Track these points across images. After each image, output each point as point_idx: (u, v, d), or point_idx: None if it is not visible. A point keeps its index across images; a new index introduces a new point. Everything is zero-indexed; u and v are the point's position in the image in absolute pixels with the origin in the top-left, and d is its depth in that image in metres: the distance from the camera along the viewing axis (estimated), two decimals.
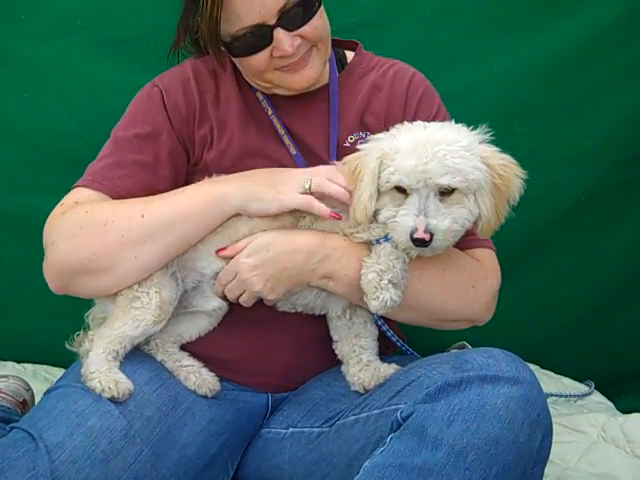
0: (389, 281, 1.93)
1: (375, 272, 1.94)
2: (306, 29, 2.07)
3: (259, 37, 2.05)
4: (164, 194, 2.08)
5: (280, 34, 2.04)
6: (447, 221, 1.86)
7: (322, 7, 2.11)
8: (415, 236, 1.85)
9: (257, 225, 2.06)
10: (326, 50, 2.16)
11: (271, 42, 2.05)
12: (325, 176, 2.03)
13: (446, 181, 1.84)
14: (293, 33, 2.05)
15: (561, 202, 2.91)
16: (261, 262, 2.01)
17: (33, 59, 2.77)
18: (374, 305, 1.94)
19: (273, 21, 2.02)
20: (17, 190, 2.86)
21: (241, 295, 2.07)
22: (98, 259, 2.01)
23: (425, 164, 1.83)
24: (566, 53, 2.80)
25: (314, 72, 2.15)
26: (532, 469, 1.80)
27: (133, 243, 2.01)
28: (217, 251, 2.07)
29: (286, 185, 2.03)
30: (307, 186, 2.02)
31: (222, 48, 2.13)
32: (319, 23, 2.09)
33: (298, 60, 2.10)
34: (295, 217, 2.07)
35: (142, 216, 2.02)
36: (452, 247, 2.02)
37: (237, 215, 2.06)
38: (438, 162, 1.84)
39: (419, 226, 1.84)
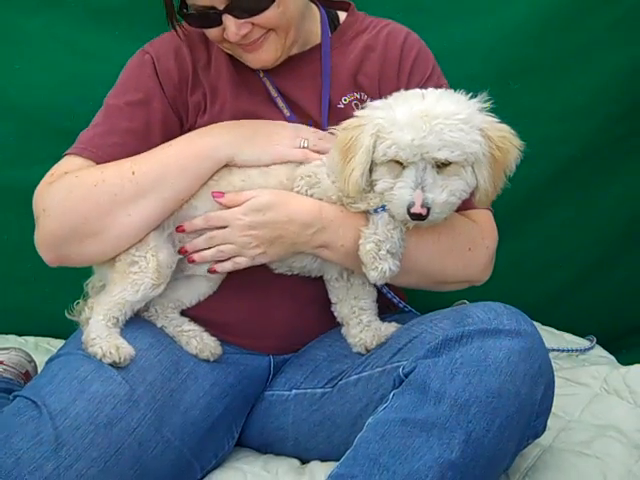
0: (387, 251, 1.93)
1: (373, 242, 1.94)
2: (258, 18, 2.02)
3: (208, 18, 2.03)
4: (152, 150, 2.06)
5: (228, 20, 2.00)
6: (444, 194, 1.85)
7: None
8: (412, 210, 1.84)
9: (252, 180, 2.05)
10: (286, 35, 2.09)
11: (220, 24, 2.02)
12: (317, 137, 2.05)
13: (444, 155, 1.83)
14: (242, 21, 2.01)
15: (556, 159, 2.89)
16: (256, 224, 2.00)
17: (22, 30, 2.74)
18: (373, 275, 1.94)
19: (222, 7, 1.99)
20: (10, 163, 2.84)
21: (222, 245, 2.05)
22: (91, 221, 2.00)
23: (423, 138, 1.81)
24: (558, 8, 2.76)
25: (267, 56, 2.11)
26: (535, 421, 1.82)
27: (125, 201, 2.00)
28: (213, 193, 2.05)
29: (281, 139, 2.04)
30: (305, 144, 2.03)
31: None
32: (274, 13, 2.02)
33: (250, 43, 2.07)
34: (291, 168, 2.06)
35: (132, 173, 2.01)
36: None
37: (230, 167, 2.05)
38: (435, 136, 1.81)
39: (416, 200, 1.83)
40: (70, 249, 2.04)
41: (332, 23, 2.29)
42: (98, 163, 2.07)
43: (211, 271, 2.08)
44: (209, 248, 2.05)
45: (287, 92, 2.20)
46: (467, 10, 2.77)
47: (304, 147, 2.04)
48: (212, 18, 2.02)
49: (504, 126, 1.92)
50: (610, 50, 2.80)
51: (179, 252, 2.09)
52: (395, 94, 1.97)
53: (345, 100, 2.19)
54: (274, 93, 2.19)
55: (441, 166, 1.85)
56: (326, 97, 2.19)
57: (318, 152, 2.03)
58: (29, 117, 2.80)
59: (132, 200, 2.00)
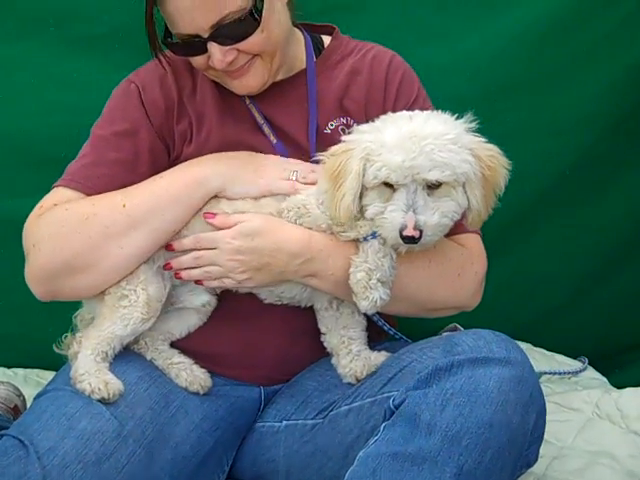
0: (378, 280, 1.92)
1: (364, 271, 1.93)
2: (243, 45, 2.01)
3: (193, 46, 2.03)
4: (143, 182, 2.06)
5: (213, 47, 2.00)
6: (436, 216, 1.84)
7: (272, 17, 2.03)
8: (404, 234, 1.82)
9: (242, 209, 2.04)
10: (272, 60, 2.09)
11: (206, 52, 2.02)
12: (309, 168, 2.04)
13: (434, 176, 1.82)
14: (227, 48, 2.00)
15: (545, 176, 2.89)
16: (244, 250, 1.99)
17: (5, 59, 2.73)
18: (364, 305, 1.93)
19: (206, 35, 1.98)
20: None
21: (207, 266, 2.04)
22: (83, 255, 1.99)
23: (412, 159, 1.80)
24: (543, 26, 2.77)
25: (254, 81, 2.10)
26: (527, 450, 1.81)
27: (117, 234, 1.99)
28: (205, 214, 2.04)
29: (270, 172, 2.04)
30: (293, 177, 2.03)
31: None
32: (259, 39, 2.02)
33: (235, 69, 2.06)
34: (279, 202, 2.05)
35: (124, 206, 2.00)
36: None
37: (219, 198, 2.05)
38: (426, 157, 1.81)
39: (408, 223, 1.82)
40: (61, 283, 2.03)
41: (316, 47, 2.29)
42: (87, 194, 2.06)
43: (197, 283, 2.08)
44: (196, 267, 2.05)
45: (273, 118, 2.19)
46: (452, 30, 2.77)
47: (293, 179, 2.04)
48: (197, 46, 2.02)
49: (492, 146, 1.92)
50: (595, 67, 2.81)
51: (164, 268, 2.08)
52: (382, 117, 1.96)
53: (332, 125, 2.18)
54: (260, 120, 2.18)
55: (432, 188, 1.84)
56: (313, 123, 2.18)
57: (308, 184, 2.03)
58: (12, 147, 2.78)
59: (124, 233, 1.99)
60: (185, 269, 2.07)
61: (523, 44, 2.78)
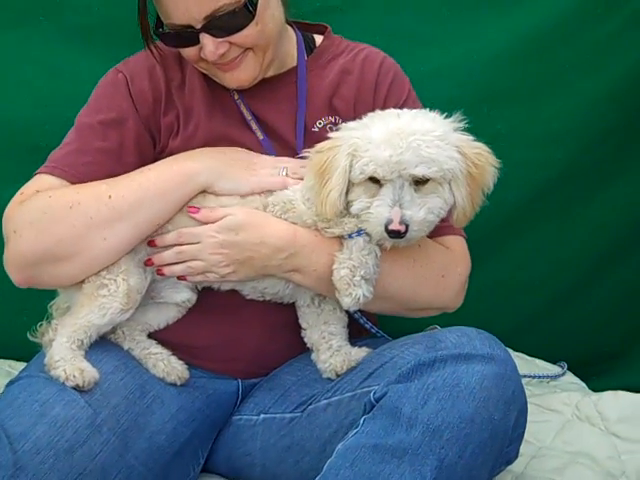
0: (362, 277, 1.91)
1: (347, 268, 1.92)
2: (236, 37, 2.00)
3: (186, 37, 2.00)
4: (130, 173, 2.03)
5: (205, 39, 1.98)
6: (422, 212, 1.84)
7: (267, 11, 2.02)
8: (390, 228, 1.82)
9: (227, 204, 2.02)
10: (264, 54, 2.07)
11: (198, 43, 2.00)
12: (297, 165, 2.03)
13: (421, 171, 1.82)
14: (220, 40, 1.98)
15: (531, 184, 2.89)
16: (228, 244, 1.98)
17: None
18: (347, 302, 1.92)
19: (199, 26, 1.96)
20: None
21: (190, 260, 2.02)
22: (65, 244, 1.95)
23: (399, 155, 1.80)
24: (534, 34, 2.78)
25: (245, 75, 2.09)
26: (508, 447, 1.80)
27: (102, 225, 1.96)
28: (189, 208, 2.02)
29: (260, 169, 2.03)
30: (284, 173, 2.02)
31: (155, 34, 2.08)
32: (252, 32, 2.00)
33: (227, 62, 2.05)
34: (264, 200, 2.03)
35: (109, 196, 1.97)
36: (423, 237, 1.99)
37: (205, 194, 2.03)
38: (412, 152, 1.80)
39: (394, 217, 1.81)
40: (41, 271, 1.99)
41: (308, 46, 2.28)
42: (71, 182, 2.03)
43: (180, 278, 2.06)
44: (179, 263, 2.02)
45: (261, 115, 2.18)
46: (444, 35, 2.78)
47: (283, 175, 2.03)
48: (189, 37, 1.99)
49: (480, 144, 1.91)
50: (586, 76, 2.82)
51: (145, 263, 2.05)
52: (370, 114, 1.96)
53: (320, 124, 2.17)
54: (248, 116, 2.16)
55: (419, 184, 1.84)
56: (301, 120, 2.17)
57: (299, 179, 2.01)
58: None
59: (108, 224, 1.96)
60: (167, 265, 2.04)
61: (516, 51, 2.79)
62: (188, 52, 2.05)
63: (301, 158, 2.04)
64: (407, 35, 2.75)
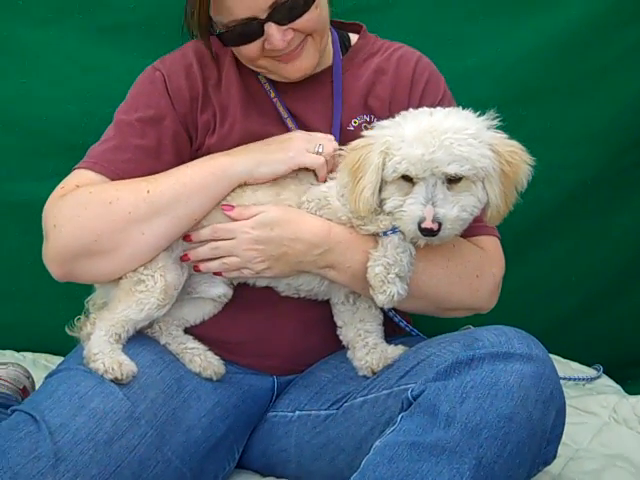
0: (396, 275, 1.91)
1: (382, 265, 1.92)
2: (299, 22, 2.01)
3: (250, 30, 2.01)
4: (168, 171, 2.05)
5: (271, 28, 1.99)
6: (455, 210, 1.84)
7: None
8: (423, 226, 1.82)
9: (263, 199, 2.03)
10: (321, 40, 2.10)
11: (262, 35, 2.00)
12: (332, 142, 2.04)
13: (453, 170, 1.81)
14: (285, 27, 2.00)
15: (566, 185, 2.87)
16: (263, 240, 1.98)
17: (30, 44, 2.72)
18: (381, 299, 1.92)
19: (264, 15, 1.97)
20: (14, 177, 2.81)
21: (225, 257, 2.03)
22: (104, 239, 1.97)
23: (432, 153, 1.80)
24: (569, 34, 2.76)
25: (308, 62, 2.10)
26: (546, 447, 1.79)
27: (140, 220, 1.97)
28: (223, 205, 2.03)
29: (295, 146, 2.03)
30: (320, 150, 2.01)
31: (215, 35, 2.08)
32: (313, 16, 2.02)
33: (291, 51, 2.06)
34: (300, 198, 2.04)
35: (148, 192, 1.98)
36: (457, 236, 1.99)
37: (242, 188, 2.03)
38: (445, 151, 1.80)
39: (427, 216, 1.81)
40: (80, 266, 2.01)
41: (343, 45, 2.29)
42: (110, 178, 2.05)
43: (216, 274, 2.07)
44: (214, 259, 2.03)
45: (297, 113, 2.19)
46: (476, 35, 2.76)
47: (319, 152, 2.02)
48: (254, 30, 2.00)
49: (513, 142, 1.91)
50: (622, 77, 2.80)
51: (181, 259, 2.06)
52: (403, 113, 1.96)
53: (355, 122, 2.18)
54: (285, 114, 2.17)
55: (452, 182, 1.84)
56: (337, 119, 2.18)
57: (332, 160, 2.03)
58: (33, 132, 2.77)
59: (146, 219, 1.98)
60: (203, 261, 2.06)
61: (550, 51, 2.78)
62: (249, 49, 2.05)
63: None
64: (442, 35, 2.75)
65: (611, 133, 2.84)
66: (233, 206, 2.03)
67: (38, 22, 2.71)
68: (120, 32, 2.72)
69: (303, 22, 2.01)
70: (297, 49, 2.06)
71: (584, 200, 2.89)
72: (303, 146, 2.03)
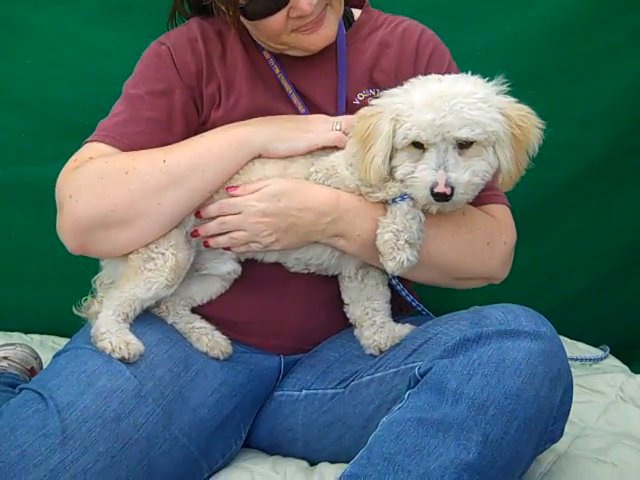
0: (406, 241, 1.90)
1: (392, 232, 1.91)
2: None
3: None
4: (184, 140, 2.05)
5: None
6: (467, 174, 1.83)
7: None
8: (436, 190, 1.81)
9: (270, 173, 2.03)
10: (340, 6, 2.11)
11: (288, 2, 1.99)
12: (350, 120, 2.02)
13: (464, 134, 1.81)
14: None
15: (574, 165, 2.86)
16: (270, 211, 1.98)
17: (35, 25, 2.73)
18: (390, 265, 1.91)
19: None
20: (20, 160, 2.81)
21: (233, 232, 2.02)
22: (121, 209, 1.96)
23: (443, 118, 1.80)
24: (579, 13, 2.75)
25: (330, 30, 2.11)
26: (553, 425, 1.79)
27: (156, 189, 1.96)
28: (227, 188, 2.03)
29: (315, 125, 2.03)
30: (338, 127, 2.01)
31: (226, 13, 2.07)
32: None
33: (315, 19, 2.05)
34: (308, 171, 2.03)
35: (164, 161, 1.98)
36: (466, 204, 1.98)
37: (253, 161, 2.03)
38: (456, 115, 1.80)
39: (439, 180, 1.81)
40: (95, 237, 1.99)
41: (347, 20, 2.28)
42: (123, 151, 2.04)
43: (226, 249, 2.07)
44: (223, 234, 2.03)
45: (302, 88, 2.18)
46: (486, 13, 2.76)
47: (337, 130, 2.02)
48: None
49: (523, 106, 1.90)
50: (631, 56, 2.79)
51: (192, 235, 2.06)
52: (411, 80, 1.95)
53: (360, 96, 2.17)
54: (289, 89, 2.17)
55: (463, 147, 1.84)
56: (342, 94, 2.17)
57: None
58: (38, 113, 2.78)
59: (163, 188, 1.97)
60: (212, 236, 2.05)
61: (557, 31, 2.76)
62: (275, 20, 2.02)
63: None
64: (449, 13, 2.74)
65: (620, 113, 2.82)
66: (237, 186, 2.03)
67: (43, 3, 2.71)
68: (125, 13, 2.72)
69: None
70: (320, 16, 2.05)
71: (591, 180, 2.88)
72: (322, 127, 2.03)
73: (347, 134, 2.02)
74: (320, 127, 2.04)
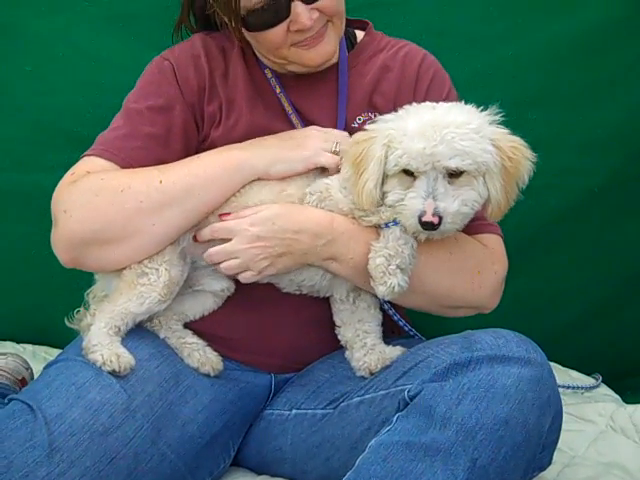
0: (397, 266, 1.90)
1: (383, 257, 1.91)
2: (323, 2, 2.03)
3: (276, 10, 2.01)
4: (181, 161, 2.05)
5: (298, 7, 2.00)
6: (456, 204, 1.83)
7: None
8: (423, 219, 1.82)
9: (268, 197, 2.03)
10: (341, 25, 2.13)
11: (288, 16, 2.01)
12: (347, 139, 2.02)
13: (455, 164, 1.81)
14: (311, 6, 2.02)
15: (573, 192, 2.86)
16: (264, 235, 1.97)
17: (38, 32, 2.73)
18: (381, 290, 1.91)
19: None
20: (18, 167, 2.80)
21: (227, 261, 2.02)
22: (115, 227, 1.97)
23: (433, 147, 1.80)
24: (581, 39, 2.77)
25: (330, 47, 2.12)
26: (541, 452, 1.78)
27: (151, 210, 1.97)
28: (220, 215, 2.03)
29: (310, 144, 2.03)
30: (335, 148, 2.02)
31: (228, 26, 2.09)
32: None
33: (314, 35, 2.07)
34: (304, 192, 2.04)
35: (160, 182, 1.98)
36: (459, 232, 1.99)
37: (250, 184, 2.03)
38: (446, 145, 1.80)
39: (427, 209, 1.81)
40: (88, 252, 2.00)
41: (349, 41, 2.30)
42: (120, 166, 2.05)
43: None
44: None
45: (302, 109, 2.19)
46: (488, 36, 2.77)
47: (334, 150, 2.03)
48: (280, 10, 2.00)
49: (515, 137, 1.91)
50: (633, 83, 2.80)
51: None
52: (406, 107, 1.96)
53: (359, 119, 2.18)
54: (289, 109, 2.18)
55: (453, 176, 1.84)
56: (342, 115, 2.18)
57: None
58: (39, 121, 2.77)
59: (158, 209, 1.97)
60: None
61: (562, 55, 2.78)
62: (275, 33, 2.04)
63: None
64: (453, 34, 2.75)
65: (619, 141, 2.83)
66: (229, 213, 2.03)
67: (45, 10, 2.71)
68: (128, 22, 2.72)
69: (327, 2, 2.03)
70: (320, 32, 2.07)
71: (590, 208, 2.88)
72: (320, 145, 2.04)
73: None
74: (318, 144, 2.03)
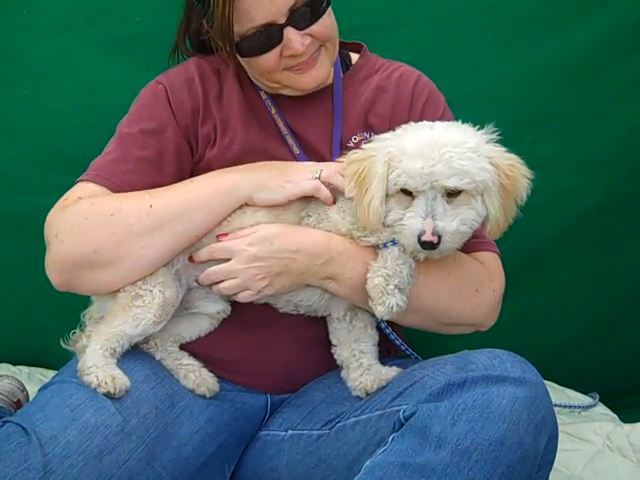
0: (395, 286, 1.90)
1: (382, 277, 1.92)
2: (315, 28, 2.05)
3: (269, 36, 2.04)
4: (172, 185, 2.06)
5: (290, 33, 2.02)
6: (455, 223, 1.84)
7: (330, 6, 2.10)
8: (423, 239, 1.82)
9: (263, 221, 2.03)
10: (334, 49, 2.15)
11: (281, 41, 2.03)
12: (335, 169, 2.01)
13: (453, 183, 1.82)
14: (303, 32, 2.04)
15: (570, 212, 2.86)
16: (263, 255, 1.98)
17: (34, 56, 2.73)
18: (380, 310, 1.91)
19: (283, 20, 2.01)
20: (15, 190, 2.80)
21: (226, 282, 2.02)
22: (105, 251, 1.97)
23: (432, 166, 1.81)
24: (577, 60, 2.77)
25: (323, 72, 2.14)
26: (537, 473, 1.77)
27: (141, 233, 1.98)
28: (218, 235, 2.03)
29: (295, 174, 2.02)
30: (317, 175, 2.00)
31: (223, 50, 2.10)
32: (328, 22, 2.09)
33: (307, 60, 2.09)
34: (300, 217, 2.04)
35: (150, 206, 1.99)
36: (457, 251, 2.00)
37: (243, 209, 2.03)
38: (445, 164, 1.81)
39: (426, 229, 1.82)
40: (80, 276, 2.01)
41: (344, 63, 2.32)
42: (112, 190, 2.06)
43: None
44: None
45: (298, 130, 2.20)
46: (483, 58, 2.77)
47: (317, 177, 2.01)
48: (273, 35, 2.03)
49: (512, 155, 1.92)
50: (628, 104, 2.80)
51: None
52: (404, 126, 1.97)
53: (355, 139, 2.19)
54: (285, 130, 2.19)
55: (451, 195, 1.85)
56: (337, 136, 2.19)
57: (331, 184, 2.00)
58: (36, 144, 2.77)
59: (148, 233, 1.98)
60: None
61: (554, 78, 2.78)
62: (268, 58, 2.07)
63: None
64: (448, 56, 2.76)
65: (616, 161, 2.83)
66: (227, 234, 2.03)
67: (42, 33, 2.72)
68: (125, 45, 2.72)
69: (319, 28, 2.06)
70: (313, 57, 2.09)
71: (588, 228, 2.88)
72: (303, 176, 2.02)
73: (328, 183, 2.00)
74: (302, 176, 2.02)
